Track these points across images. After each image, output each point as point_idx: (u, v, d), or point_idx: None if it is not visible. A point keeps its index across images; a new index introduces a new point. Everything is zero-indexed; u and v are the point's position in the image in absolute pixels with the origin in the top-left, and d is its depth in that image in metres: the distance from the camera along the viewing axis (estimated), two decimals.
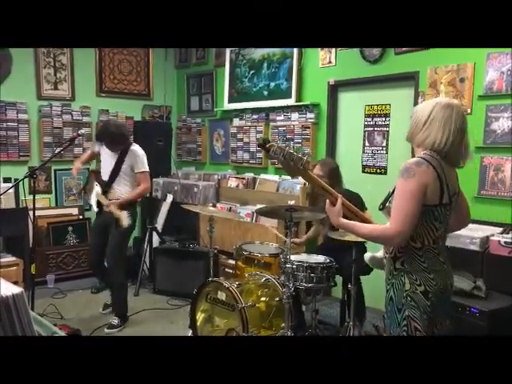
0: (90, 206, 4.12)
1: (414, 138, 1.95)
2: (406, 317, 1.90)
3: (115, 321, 3.99)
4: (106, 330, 3.90)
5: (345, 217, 2.03)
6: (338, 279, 3.63)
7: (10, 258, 4.77)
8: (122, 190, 3.97)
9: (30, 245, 4.36)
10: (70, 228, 5.38)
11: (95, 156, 4.38)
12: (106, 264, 4.06)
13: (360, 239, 3.03)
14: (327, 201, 2.03)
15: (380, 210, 2.05)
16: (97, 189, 4.00)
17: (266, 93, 5.25)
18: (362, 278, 3.64)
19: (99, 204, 3.97)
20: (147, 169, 4.03)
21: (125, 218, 3.73)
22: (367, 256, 2.23)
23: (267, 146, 1.92)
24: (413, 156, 3.97)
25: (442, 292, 1.90)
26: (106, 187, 3.97)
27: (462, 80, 3.71)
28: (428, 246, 1.90)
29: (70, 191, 5.47)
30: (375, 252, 2.24)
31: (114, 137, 3.89)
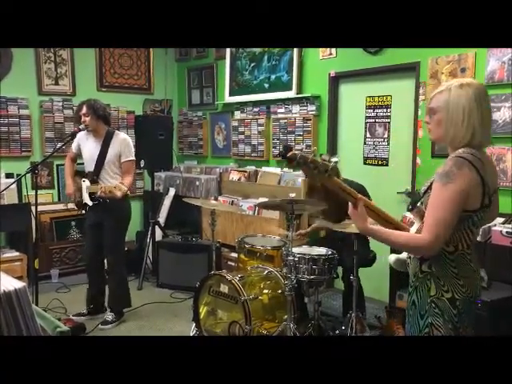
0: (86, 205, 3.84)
1: (456, 139, 1.71)
2: (429, 324, 1.76)
3: (110, 317, 3.94)
4: (100, 326, 3.85)
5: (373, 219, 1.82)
6: (340, 271, 3.63)
7: (13, 254, 4.81)
8: (111, 180, 3.76)
9: (34, 240, 4.38)
10: (73, 223, 5.39)
11: (75, 162, 4.08)
12: (105, 262, 3.98)
13: None
14: (349, 204, 1.80)
15: (408, 211, 1.90)
16: (86, 184, 3.79)
17: (266, 85, 5.24)
18: (363, 270, 3.64)
19: (92, 197, 3.74)
20: (134, 157, 3.90)
21: (120, 188, 3.51)
22: (392, 258, 2.05)
23: (289, 155, 1.65)
24: (414, 148, 4.02)
25: (471, 301, 1.75)
26: (94, 176, 3.77)
27: (462, 70, 3.70)
28: (462, 250, 1.74)
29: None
30: (398, 254, 2.05)
31: (99, 114, 3.72)
